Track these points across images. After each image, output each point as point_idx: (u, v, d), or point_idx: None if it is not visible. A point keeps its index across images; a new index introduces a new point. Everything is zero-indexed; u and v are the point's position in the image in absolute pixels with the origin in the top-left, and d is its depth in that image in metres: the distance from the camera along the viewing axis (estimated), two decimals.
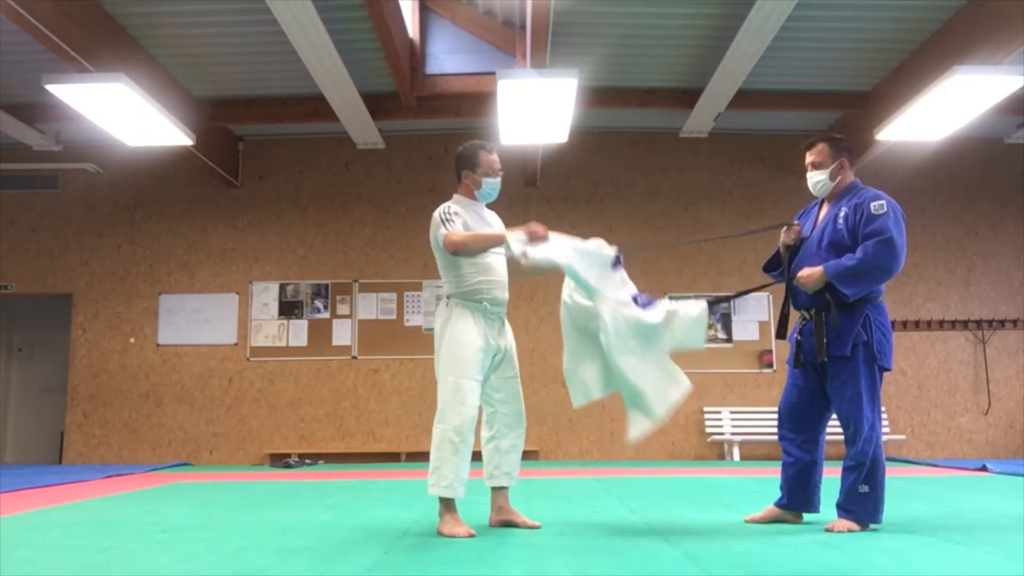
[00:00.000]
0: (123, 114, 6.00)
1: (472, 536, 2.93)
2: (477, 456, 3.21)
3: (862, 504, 2.94)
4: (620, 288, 3.13)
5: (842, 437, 3.05)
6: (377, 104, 7.20)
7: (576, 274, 3.14)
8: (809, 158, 3.23)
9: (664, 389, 3.04)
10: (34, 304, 8.75)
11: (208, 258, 8.21)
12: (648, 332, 3.05)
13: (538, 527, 3.17)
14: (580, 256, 3.14)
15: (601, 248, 3.18)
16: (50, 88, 5.53)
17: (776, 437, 3.36)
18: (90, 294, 8.16)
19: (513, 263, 3.29)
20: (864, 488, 2.93)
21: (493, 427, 3.25)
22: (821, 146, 3.20)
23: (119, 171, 8.20)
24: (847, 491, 2.97)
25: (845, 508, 2.98)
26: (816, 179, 3.21)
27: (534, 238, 3.03)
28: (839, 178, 3.17)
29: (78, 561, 2.58)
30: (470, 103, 7.08)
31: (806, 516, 3.23)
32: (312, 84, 6.46)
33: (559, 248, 3.10)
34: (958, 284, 8.17)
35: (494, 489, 3.26)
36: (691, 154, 8.28)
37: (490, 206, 3.44)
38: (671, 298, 3.25)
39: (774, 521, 3.20)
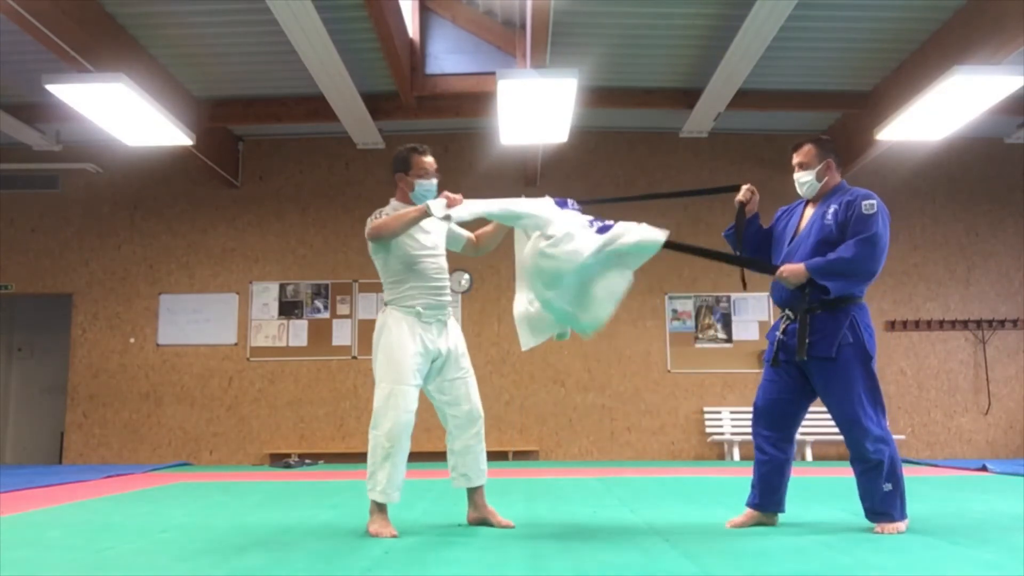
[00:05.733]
0: (123, 114, 6.01)
1: (395, 537, 2.94)
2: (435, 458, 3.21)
3: (891, 503, 2.92)
4: (571, 217, 3.02)
5: (834, 437, 3.04)
6: (377, 104, 7.21)
7: (517, 213, 3.04)
8: (796, 159, 3.25)
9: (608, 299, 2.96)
10: (34, 304, 8.75)
11: (208, 258, 8.22)
12: (609, 249, 2.92)
13: (511, 526, 3.17)
14: (515, 204, 3.06)
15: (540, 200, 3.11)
16: (50, 88, 5.54)
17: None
18: (90, 294, 8.16)
19: (469, 244, 3.41)
20: (888, 486, 2.92)
21: (447, 429, 3.28)
22: (808, 147, 3.22)
23: (119, 171, 8.20)
24: (874, 494, 2.93)
25: (879, 511, 2.94)
26: (803, 180, 3.22)
27: (451, 203, 3.00)
28: (826, 179, 3.18)
29: (78, 561, 2.58)
30: (470, 103, 7.08)
31: (805, 516, 3.22)
32: (312, 84, 6.46)
33: (487, 203, 3.05)
34: (958, 284, 8.17)
35: (467, 489, 3.27)
36: (691, 154, 8.28)
37: None
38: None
39: (755, 525, 3.15)
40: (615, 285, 2.96)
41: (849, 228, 3.00)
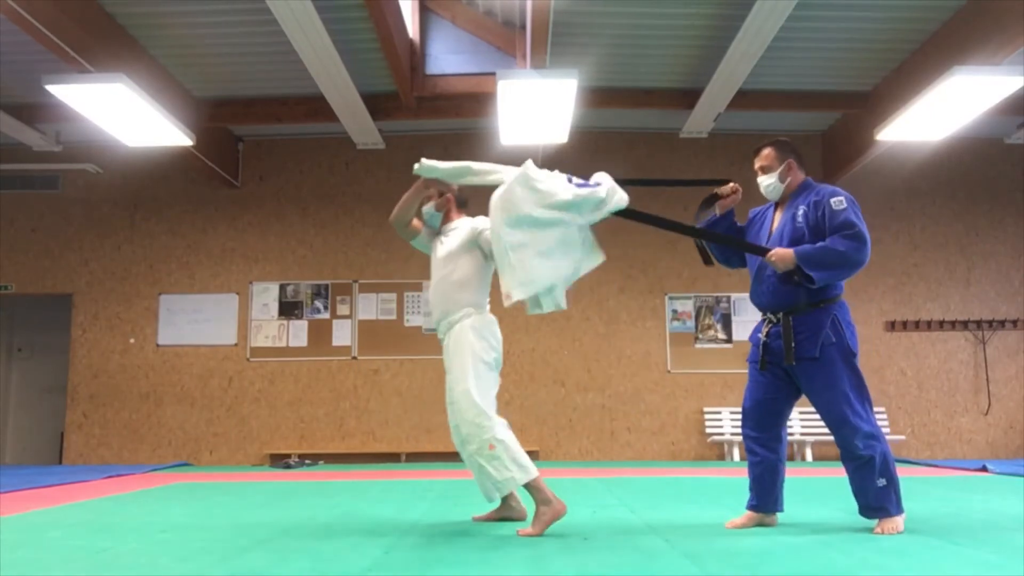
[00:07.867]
0: (123, 114, 6.01)
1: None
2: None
3: (887, 498, 2.92)
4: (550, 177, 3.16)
5: (829, 438, 3.04)
6: (377, 104, 7.20)
7: (490, 169, 3.19)
8: (757, 163, 3.28)
9: (585, 261, 3.13)
10: (34, 304, 8.75)
11: (208, 258, 8.22)
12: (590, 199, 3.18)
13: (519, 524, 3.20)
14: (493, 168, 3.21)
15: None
16: (50, 88, 5.54)
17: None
18: (90, 294, 8.16)
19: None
20: (882, 482, 2.91)
21: None
22: (767, 151, 3.25)
23: (119, 171, 8.20)
24: (868, 490, 2.93)
25: (875, 507, 2.93)
26: (766, 183, 3.25)
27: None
28: (788, 180, 3.21)
29: (78, 561, 2.58)
30: (470, 103, 7.07)
31: (805, 516, 3.22)
32: (312, 84, 6.46)
33: (463, 165, 3.23)
34: (958, 284, 8.17)
35: None
36: (691, 154, 8.27)
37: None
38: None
39: (755, 526, 3.15)
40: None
41: (825, 226, 3.00)
